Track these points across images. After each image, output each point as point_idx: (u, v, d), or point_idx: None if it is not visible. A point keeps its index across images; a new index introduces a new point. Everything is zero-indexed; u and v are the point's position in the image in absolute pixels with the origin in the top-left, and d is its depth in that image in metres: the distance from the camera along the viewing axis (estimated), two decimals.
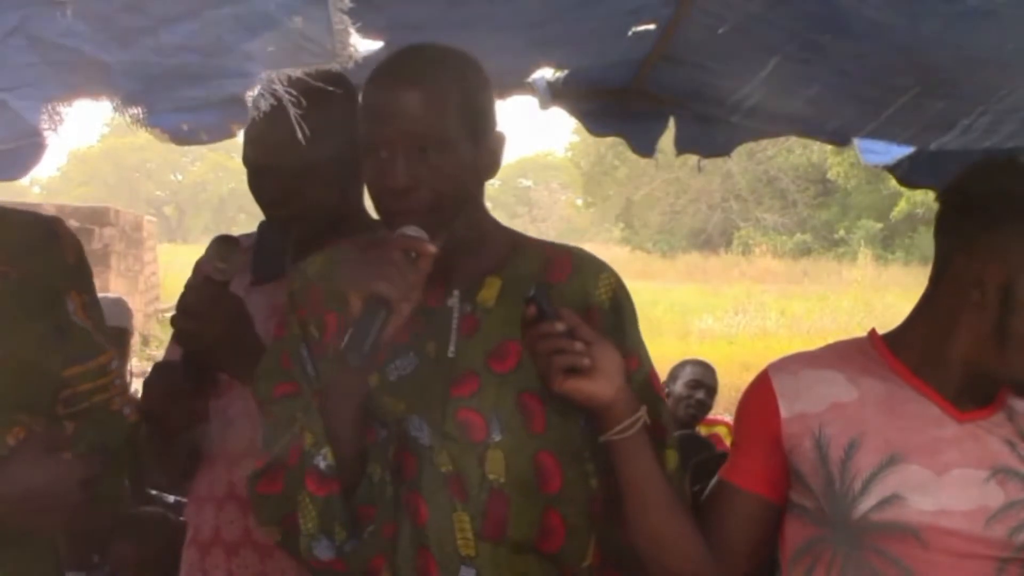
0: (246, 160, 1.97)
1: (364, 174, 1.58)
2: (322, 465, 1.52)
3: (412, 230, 1.50)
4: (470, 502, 1.54)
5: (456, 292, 1.61)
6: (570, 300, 1.62)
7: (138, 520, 2.56)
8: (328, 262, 1.67)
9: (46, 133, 1.64)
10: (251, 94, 1.52)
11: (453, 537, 1.53)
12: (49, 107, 1.62)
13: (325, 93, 1.94)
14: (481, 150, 1.57)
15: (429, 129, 1.51)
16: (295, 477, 1.53)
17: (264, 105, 1.52)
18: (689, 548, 1.61)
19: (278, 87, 1.47)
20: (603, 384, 1.50)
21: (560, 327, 1.49)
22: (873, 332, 1.72)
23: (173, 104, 1.74)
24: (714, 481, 1.72)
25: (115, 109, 1.63)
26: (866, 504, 1.57)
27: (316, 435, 1.53)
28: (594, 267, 1.68)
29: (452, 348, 1.58)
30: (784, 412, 1.64)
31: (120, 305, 4.01)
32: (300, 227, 1.93)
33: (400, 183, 1.51)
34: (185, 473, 2.10)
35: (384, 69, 1.57)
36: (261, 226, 2.10)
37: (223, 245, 1.86)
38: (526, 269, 1.64)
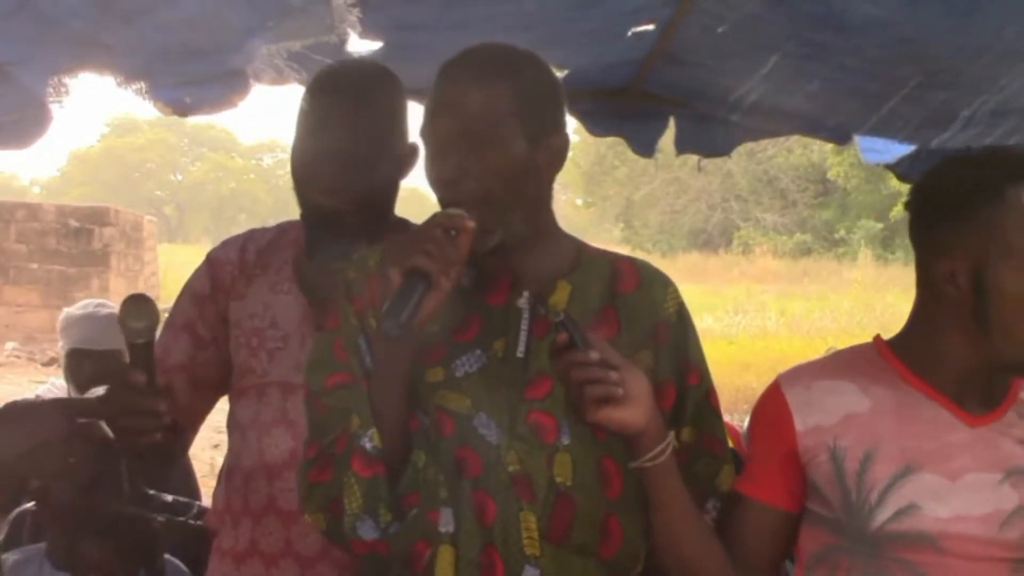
0: (300, 148, 1.93)
1: (425, 162, 1.62)
2: (368, 446, 1.55)
3: (454, 210, 1.53)
4: (536, 503, 1.54)
5: (526, 293, 1.61)
6: (640, 312, 1.64)
7: (106, 520, 2.52)
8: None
9: (51, 105, 1.63)
10: (252, 67, 1.52)
11: (519, 536, 1.53)
12: (55, 80, 1.62)
13: (383, 87, 1.95)
14: (539, 150, 1.59)
15: (479, 125, 1.54)
16: (343, 463, 1.55)
17: (266, 79, 1.52)
18: (715, 570, 1.61)
19: (279, 61, 1.47)
20: (635, 411, 1.48)
21: (594, 356, 1.47)
22: (878, 339, 1.71)
23: (175, 78, 1.74)
24: (730, 493, 1.70)
25: (118, 84, 1.63)
26: (883, 515, 1.58)
27: (363, 417, 1.56)
28: (661, 279, 1.70)
29: (522, 348, 1.59)
30: (799, 426, 1.65)
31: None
32: (344, 219, 1.90)
33: (446, 174, 1.55)
34: (162, 464, 2.07)
35: (450, 63, 1.61)
36: (304, 217, 2.00)
37: (134, 304, 1.77)
38: (594, 276, 1.66)
